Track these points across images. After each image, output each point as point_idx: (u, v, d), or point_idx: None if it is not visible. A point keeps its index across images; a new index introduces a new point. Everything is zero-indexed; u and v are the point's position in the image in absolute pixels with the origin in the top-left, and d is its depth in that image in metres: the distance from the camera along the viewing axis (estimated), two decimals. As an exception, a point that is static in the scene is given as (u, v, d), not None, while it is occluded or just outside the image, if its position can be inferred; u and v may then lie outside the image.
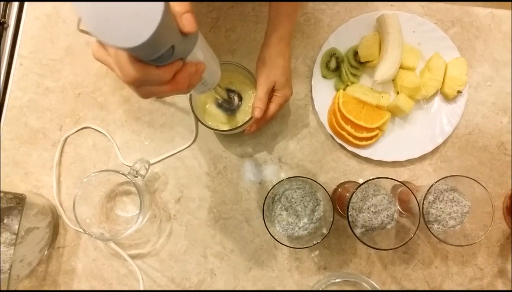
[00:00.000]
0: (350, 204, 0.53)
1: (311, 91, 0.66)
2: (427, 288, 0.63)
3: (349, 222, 0.53)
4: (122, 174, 0.58)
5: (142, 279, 0.62)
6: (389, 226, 0.54)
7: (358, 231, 0.54)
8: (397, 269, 0.63)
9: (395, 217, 0.55)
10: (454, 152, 0.66)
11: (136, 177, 0.59)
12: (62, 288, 0.64)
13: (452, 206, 0.55)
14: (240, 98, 0.60)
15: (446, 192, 0.56)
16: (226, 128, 0.58)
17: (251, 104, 0.57)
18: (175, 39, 0.29)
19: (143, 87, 0.32)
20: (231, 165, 0.66)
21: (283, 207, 0.57)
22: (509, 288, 0.63)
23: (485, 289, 0.63)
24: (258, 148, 0.66)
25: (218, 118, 0.60)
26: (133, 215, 0.65)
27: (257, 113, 0.54)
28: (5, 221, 0.58)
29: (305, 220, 0.57)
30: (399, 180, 0.53)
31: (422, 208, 0.52)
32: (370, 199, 0.54)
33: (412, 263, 0.63)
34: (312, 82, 0.65)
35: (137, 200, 0.63)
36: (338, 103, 0.62)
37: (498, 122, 0.66)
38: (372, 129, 0.63)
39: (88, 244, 0.64)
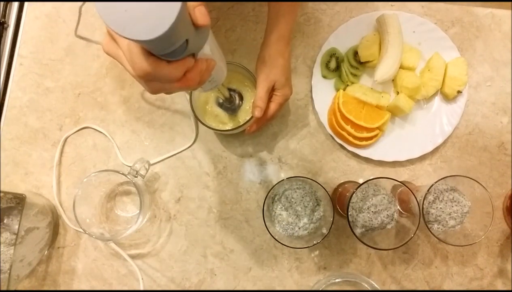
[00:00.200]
0: (350, 204, 0.53)
1: (311, 91, 0.66)
2: (427, 288, 0.63)
3: (349, 222, 0.53)
4: (122, 174, 0.58)
5: (142, 279, 0.62)
6: (389, 226, 0.54)
7: (358, 231, 0.54)
8: (397, 269, 0.63)
9: (395, 217, 0.55)
10: (454, 152, 0.66)
11: (136, 177, 0.59)
12: (62, 288, 0.64)
13: (452, 206, 0.55)
14: (241, 98, 0.60)
15: (446, 192, 0.56)
16: (226, 128, 0.58)
17: (252, 104, 0.57)
18: (189, 32, 0.28)
19: (154, 82, 0.32)
20: (231, 165, 0.66)
21: (283, 207, 0.57)
22: (509, 288, 0.63)
23: (485, 289, 0.63)
24: (258, 148, 0.66)
25: (218, 118, 0.60)
26: (133, 215, 0.65)
27: (258, 113, 0.54)
28: (5, 221, 0.58)
29: (305, 220, 0.57)
30: (399, 180, 0.53)
31: (422, 208, 0.52)
32: (370, 199, 0.54)
33: (412, 263, 0.63)
34: (312, 82, 0.65)
35: (137, 200, 0.63)
36: (338, 103, 0.62)
37: (498, 122, 0.66)
38: (372, 129, 0.63)
39: (88, 244, 0.64)
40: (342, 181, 0.65)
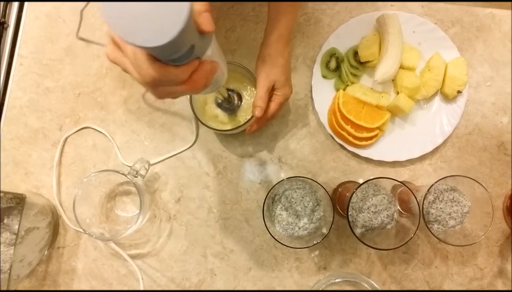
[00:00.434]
0: (350, 204, 0.53)
1: (311, 91, 0.66)
2: (427, 288, 0.63)
3: (349, 222, 0.53)
4: (122, 174, 0.58)
5: (142, 279, 0.62)
6: (389, 226, 0.54)
7: (358, 231, 0.54)
8: (397, 269, 0.63)
9: (395, 217, 0.55)
10: (454, 152, 0.66)
11: (136, 177, 0.59)
12: (62, 288, 0.64)
13: (452, 206, 0.55)
14: (240, 98, 0.60)
15: (446, 192, 0.56)
16: (226, 128, 0.58)
17: (252, 104, 0.57)
18: (195, 38, 0.29)
19: (161, 87, 0.32)
20: (231, 165, 0.66)
21: (283, 207, 0.57)
22: (509, 288, 0.63)
23: (485, 289, 0.63)
24: (258, 148, 0.66)
25: (218, 118, 0.60)
26: (133, 215, 0.65)
27: (258, 113, 0.54)
28: (5, 221, 0.58)
29: (305, 220, 0.57)
30: (399, 180, 0.53)
31: (422, 208, 0.52)
32: (370, 199, 0.54)
33: (412, 263, 0.63)
34: (312, 82, 0.65)
35: (137, 200, 0.63)
36: (338, 103, 0.62)
37: (498, 122, 0.66)
38: (372, 129, 0.63)
39: (88, 244, 0.64)
40: (342, 181, 0.65)
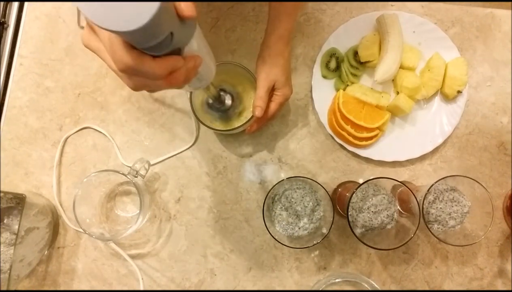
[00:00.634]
0: (350, 204, 0.53)
1: (311, 91, 0.66)
2: (427, 288, 0.63)
3: (349, 222, 0.53)
4: (122, 174, 0.58)
5: (142, 279, 0.62)
6: (389, 226, 0.54)
7: (358, 231, 0.54)
8: (397, 269, 0.63)
9: (395, 217, 0.55)
10: (454, 152, 0.66)
11: (136, 177, 0.59)
12: (62, 288, 0.64)
13: (452, 206, 0.55)
14: (233, 99, 0.58)
15: (446, 192, 0.56)
16: (226, 128, 0.58)
17: (252, 104, 0.57)
18: (174, 25, 0.27)
19: (136, 77, 0.31)
20: (231, 165, 0.66)
21: (283, 207, 0.57)
22: (509, 288, 0.63)
23: (485, 289, 0.63)
24: (258, 147, 0.66)
25: (218, 119, 0.60)
26: (133, 215, 0.65)
27: (258, 113, 0.54)
28: (5, 221, 0.58)
29: (305, 220, 0.57)
30: (399, 180, 0.53)
31: (422, 208, 0.52)
32: (370, 199, 0.54)
33: (412, 263, 0.63)
34: (312, 82, 0.65)
35: (137, 200, 0.63)
36: (338, 103, 0.62)
37: (498, 122, 0.66)
38: (372, 129, 0.63)
39: (88, 244, 0.64)
40: (342, 181, 0.65)
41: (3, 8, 0.69)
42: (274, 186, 0.54)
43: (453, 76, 0.63)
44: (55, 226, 0.65)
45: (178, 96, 0.67)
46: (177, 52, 0.31)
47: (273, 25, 0.55)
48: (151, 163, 0.64)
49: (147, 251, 0.64)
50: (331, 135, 0.65)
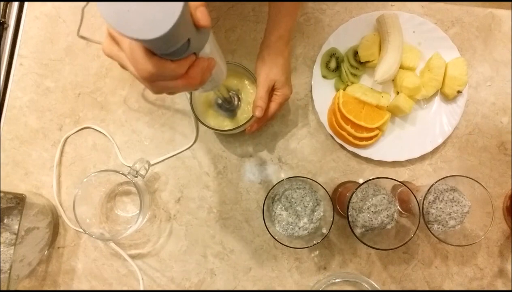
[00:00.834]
0: (350, 204, 0.53)
1: (311, 91, 0.66)
2: (427, 288, 0.63)
3: (349, 222, 0.53)
4: (122, 174, 0.58)
5: (142, 279, 0.62)
6: (389, 226, 0.54)
7: (358, 231, 0.54)
8: (397, 269, 0.63)
9: (395, 217, 0.55)
10: (454, 152, 0.66)
11: (136, 177, 0.59)
12: (62, 288, 0.64)
13: (452, 206, 0.55)
14: (239, 99, 0.60)
15: (446, 192, 0.56)
16: (226, 128, 0.58)
17: (252, 104, 0.57)
18: (191, 32, 0.29)
19: (157, 82, 0.32)
20: (231, 165, 0.66)
21: (283, 207, 0.57)
22: (509, 288, 0.63)
23: (485, 289, 0.63)
24: (258, 148, 0.66)
25: (218, 118, 0.60)
26: (133, 215, 0.65)
27: (258, 113, 0.54)
28: (5, 221, 0.58)
29: (305, 220, 0.57)
30: (399, 180, 0.53)
31: (422, 208, 0.52)
32: (370, 199, 0.54)
33: (412, 263, 0.63)
34: (312, 82, 0.65)
35: (137, 200, 0.63)
36: (338, 103, 0.62)
37: (498, 122, 0.66)
38: (372, 129, 0.63)
39: (88, 244, 0.64)
40: (342, 181, 0.65)
41: (3, 8, 0.69)
42: (274, 186, 0.54)
43: (453, 76, 0.63)
44: (55, 226, 0.65)
45: (178, 96, 0.67)
46: (192, 57, 0.32)
47: (273, 25, 0.55)
48: (151, 163, 0.64)
49: (147, 251, 0.64)
50: (331, 135, 0.65)
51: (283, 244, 0.54)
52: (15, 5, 0.70)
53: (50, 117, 0.67)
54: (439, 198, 0.55)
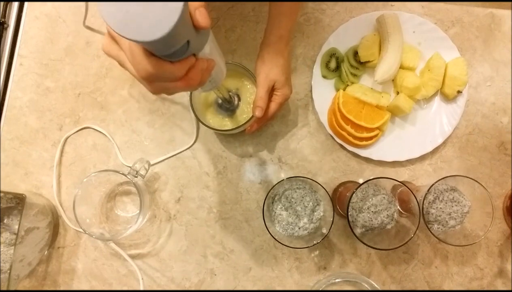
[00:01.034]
0: (350, 204, 0.53)
1: (311, 91, 0.66)
2: (427, 288, 0.63)
3: (349, 222, 0.53)
4: (122, 174, 0.58)
5: (142, 279, 0.62)
6: (389, 226, 0.54)
7: (358, 231, 0.54)
8: (397, 269, 0.63)
9: (395, 217, 0.55)
10: (454, 152, 0.66)
11: (136, 177, 0.59)
12: (62, 288, 0.64)
13: (452, 206, 0.55)
14: (239, 99, 0.60)
15: (446, 192, 0.56)
16: (226, 128, 0.58)
17: (252, 104, 0.57)
18: (191, 34, 0.29)
19: (156, 83, 0.32)
20: (231, 165, 0.66)
21: (283, 207, 0.57)
22: (509, 288, 0.63)
23: (485, 289, 0.63)
24: (258, 147, 0.66)
25: (218, 118, 0.60)
26: (133, 215, 0.65)
27: (258, 113, 0.54)
28: (5, 221, 0.58)
29: (305, 220, 0.57)
30: (399, 180, 0.53)
31: (422, 208, 0.52)
32: (370, 199, 0.54)
33: (412, 263, 0.63)
34: (312, 82, 0.65)
35: (137, 200, 0.63)
36: (338, 103, 0.62)
37: (498, 122, 0.66)
38: (372, 129, 0.63)
39: (88, 244, 0.64)
40: (342, 181, 0.65)
41: (3, 8, 0.69)
42: (274, 186, 0.54)
43: (453, 76, 0.63)
44: (55, 226, 0.65)
45: (178, 97, 0.67)
46: (192, 56, 0.32)
47: (273, 25, 0.55)
48: (151, 163, 0.64)
49: (147, 251, 0.64)
50: (331, 135, 0.65)
51: (283, 244, 0.54)
52: (15, 5, 0.70)
53: (50, 117, 0.67)
54: (439, 198, 0.55)
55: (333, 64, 0.65)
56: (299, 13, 0.68)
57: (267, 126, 0.66)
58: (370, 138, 0.63)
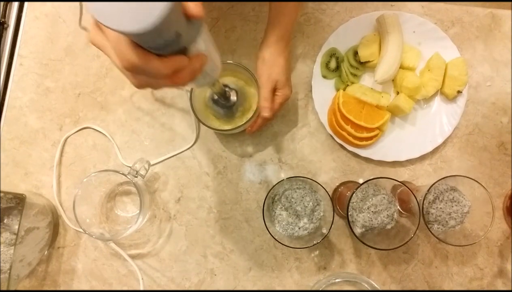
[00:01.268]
0: (350, 204, 0.53)
1: (311, 91, 0.66)
2: (427, 288, 0.63)
3: (349, 222, 0.53)
4: (122, 174, 0.58)
5: (142, 279, 0.62)
6: (389, 226, 0.54)
7: (358, 231, 0.54)
8: (397, 269, 0.63)
9: (395, 217, 0.55)
10: (454, 152, 0.66)
11: (136, 177, 0.59)
12: (62, 288, 0.64)
13: (452, 206, 0.55)
14: (237, 95, 0.57)
15: (446, 192, 0.56)
16: (226, 128, 0.58)
17: (253, 104, 0.57)
18: (181, 25, 0.27)
19: (140, 76, 0.31)
20: (231, 165, 0.66)
21: (283, 207, 0.57)
22: (509, 288, 0.63)
23: (485, 289, 0.63)
24: (258, 147, 0.66)
25: (218, 118, 0.60)
26: (133, 215, 0.65)
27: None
28: (5, 221, 0.58)
29: (305, 220, 0.57)
30: (399, 180, 0.53)
31: (422, 208, 0.52)
32: (370, 199, 0.54)
33: (412, 263, 0.63)
34: (312, 82, 0.65)
35: (137, 200, 0.63)
36: (338, 103, 0.62)
37: (498, 122, 0.66)
38: (372, 129, 0.63)
39: (88, 244, 0.64)
40: (342, 181, 0.65)
41: (3, 8, 0.69)
42: (274, 186, 0.54)
43: (453, 76, 0.63)
44: (55, 226, 0.65)
45: (178, 96, 0.67)
46: (183, 50, 0.30)
47: (273, 25, 0.55)
48: (151, 163, 0.64)
49: (147, 251, 0.64)
50: (331, 135, 0.65)
51: (283, 244, 0.54)
52: (15, 5, 0.70)
53: (50, 117, 0.67)
54: (439, 198, 0.55)
55: (333, 64, 0.65)
56: (299, 13, 0.68)
57: (267, 126, 0.66)
58: (370, 138, 0.63)
